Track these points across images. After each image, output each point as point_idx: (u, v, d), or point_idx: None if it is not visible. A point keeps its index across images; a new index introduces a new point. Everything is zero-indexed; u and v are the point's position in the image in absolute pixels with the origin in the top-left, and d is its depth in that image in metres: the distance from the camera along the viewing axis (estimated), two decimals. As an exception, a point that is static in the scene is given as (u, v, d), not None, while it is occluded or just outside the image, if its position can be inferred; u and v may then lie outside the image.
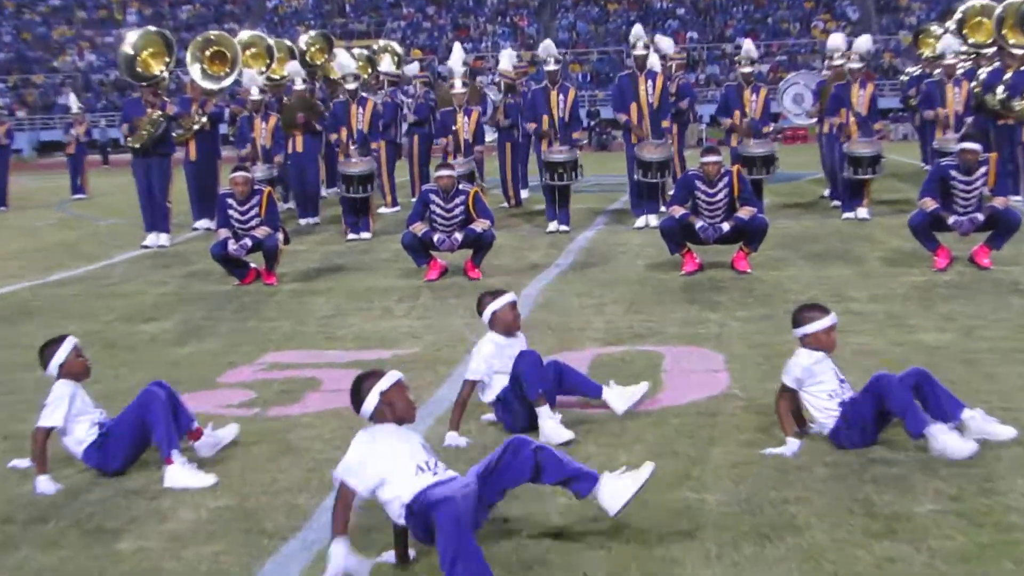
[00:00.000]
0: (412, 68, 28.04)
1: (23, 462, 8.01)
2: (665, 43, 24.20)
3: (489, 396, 8.68)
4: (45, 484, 7.57)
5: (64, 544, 6.60)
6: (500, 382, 8.58)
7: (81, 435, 7.94)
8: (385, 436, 6.12)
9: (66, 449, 8.00)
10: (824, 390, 7.86)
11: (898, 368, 9.19)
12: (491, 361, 8.59)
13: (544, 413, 8.25)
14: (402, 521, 5.97)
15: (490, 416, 8.80)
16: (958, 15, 25.50)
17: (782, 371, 7.94)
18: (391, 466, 5.98)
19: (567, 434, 8.12)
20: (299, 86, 23.69)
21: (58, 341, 8.11)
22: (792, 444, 7.62)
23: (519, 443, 6.15)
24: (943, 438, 7.33)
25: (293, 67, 24.50)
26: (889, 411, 7.58)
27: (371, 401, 6.19)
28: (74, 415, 7.90)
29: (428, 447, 6.27)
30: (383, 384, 6.21)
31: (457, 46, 25.64)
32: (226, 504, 7.17)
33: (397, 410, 6.21)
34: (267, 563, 6.21)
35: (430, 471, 6.04)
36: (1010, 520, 6.36)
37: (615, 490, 6.21)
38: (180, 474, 7.58)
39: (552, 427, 8.18)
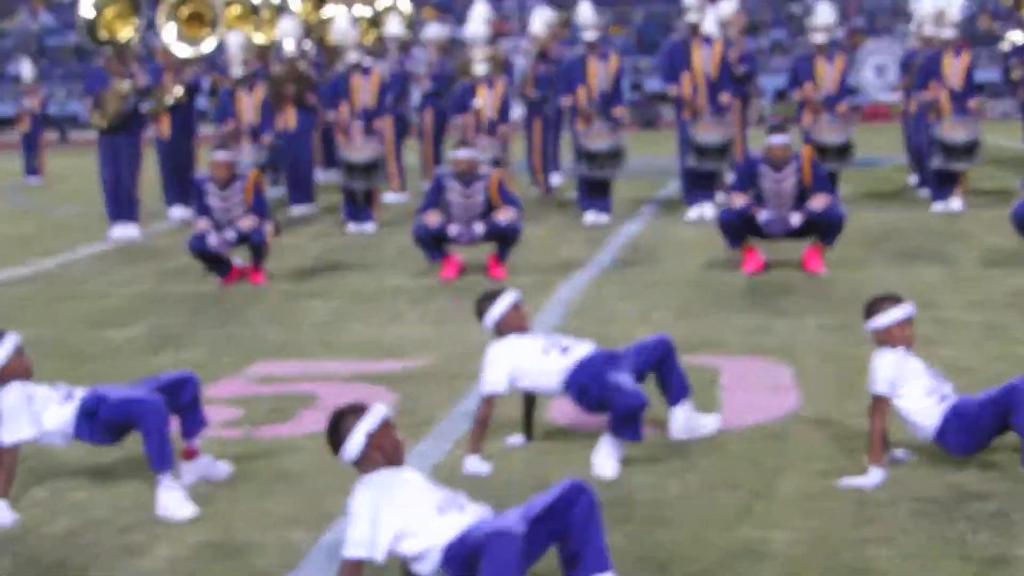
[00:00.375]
0: (432, 31, 27.85)
1: None
2: (726, 6, 24.10)
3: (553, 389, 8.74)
4: (1, 512, 7.64)
5: (22, 584, 6.65)
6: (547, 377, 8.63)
7: (56, 422, 7.98)
8: (388, 485, 6.00)
9: (50, 444, 8.11)
10: (920, 387, 7.93)
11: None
12: (511, 364, 8.60)
13: (608, 442, 8.26)
14: (429, 570, 5.97)
15: (516, 439, 8.84)
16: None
17: (868, 381, 7.95)
18: (406, 516, 5.89)
19: (613, 472, 8.12)
20: (290, 49, 23.60)
21: None
22: (875, 474, 7.63)
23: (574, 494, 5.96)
24: None
25: (288, 27, 24.24)
26: (1012, 426, 7.62)
27: (356, 443, 6.09)
28: (38, 411, 7.96)
29: (434, 481, 6.24)
30: (370, 423, 6.11)
31: (480, 5, 25.67)
32: (209, 539, 7.19)
33: (387, 453, 6.11)
34: (257, 609, 6.26)
35: (456, 507, 5.99)
36: None
37: None
38: (170, 500, 7.65)
39: (603, 460, 8.17)
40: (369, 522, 5.81)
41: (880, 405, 7.86)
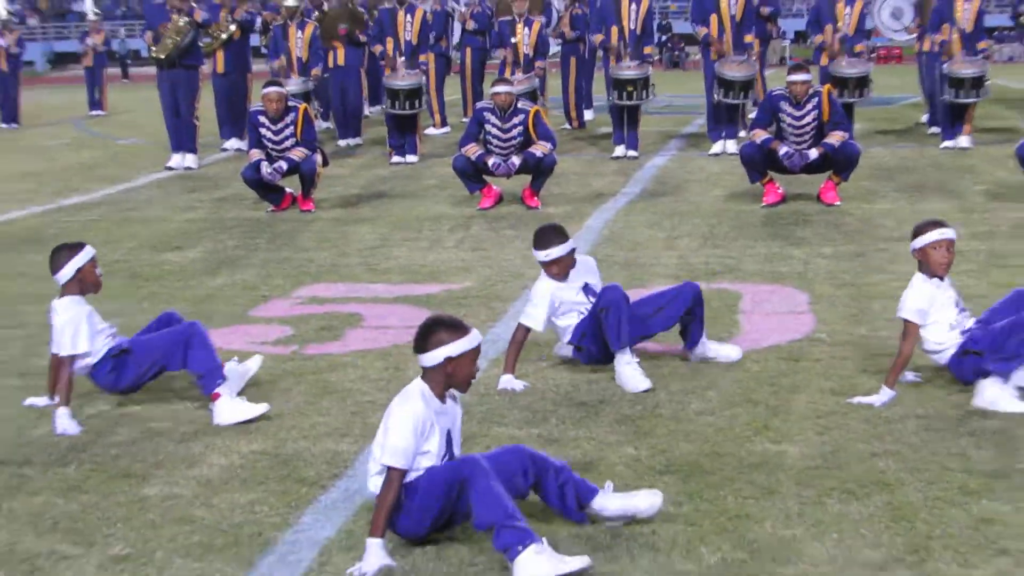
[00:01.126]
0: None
1: (40, 400, 8.13)
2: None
3: (561, 346, 8.87)
4: (66, 421, 7.67)
5: (87, 489, 6.69)
6: (567, 322, 8.70)
7: (93, 352, 8.03)
8: (422, 412, 5.88)
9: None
10: (945, 322, 7.93)
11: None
12: (551, 307, 8.67)
13: (623, 359, 8.31)
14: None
15: (566, 351, 8.86)
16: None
17: (899, 306, 7.95)
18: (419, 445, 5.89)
19: (645, 383, 8.17)
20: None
21: (77, 247, 8.11)
22: (884, 393, 7.64)
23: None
24: (991, 393, 7.49)
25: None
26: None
27: (435, 358, 5.86)
28: (93, 332, 7.98)
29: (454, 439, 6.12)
30: (455, 348, 5.85)
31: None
32: (261, 449, 7.25)
33: (457, 379, 5.93)
34: (305, 513, 6.30)
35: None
36: (1118, 477, 6.42)
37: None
38: (231, 408, 7.73)
39: (630, 374, 8.22)
40: (414, 434, 5.77)
41: (910, 331, 7.84)
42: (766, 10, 22.29)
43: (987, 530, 5.85)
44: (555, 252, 8.64)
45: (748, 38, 20.13)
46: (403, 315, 10.34)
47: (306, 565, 5.73)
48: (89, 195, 18.02)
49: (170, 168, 20.38)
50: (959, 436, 7.05)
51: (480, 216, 15.02)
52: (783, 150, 14.67)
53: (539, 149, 15.32)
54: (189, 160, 20.56)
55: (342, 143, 22.73)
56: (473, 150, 15.37)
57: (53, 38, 72.92)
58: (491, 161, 15.33)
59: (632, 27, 20.09)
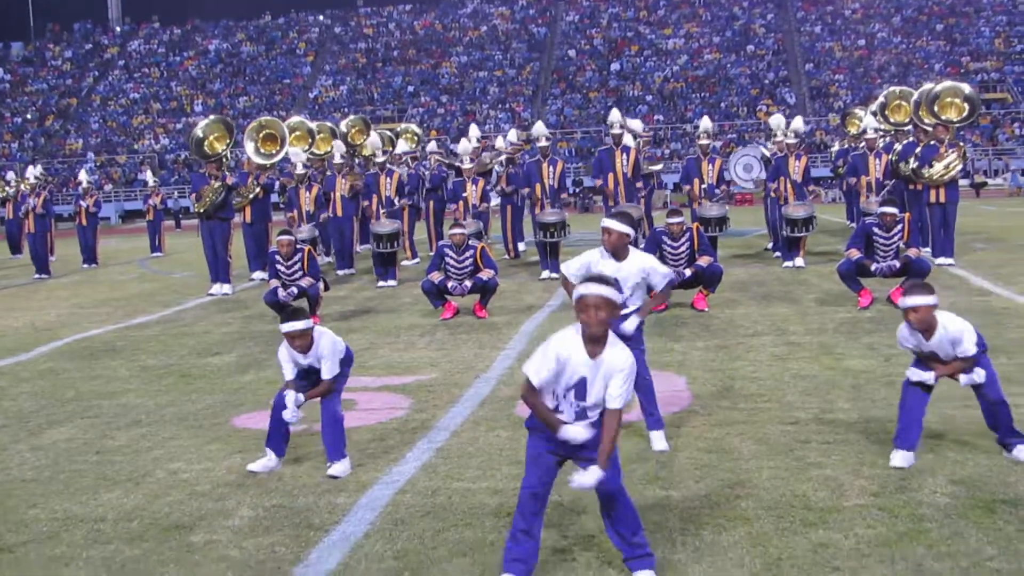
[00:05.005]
0: (430, 147, 28.21)
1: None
2: (635, 124, 24.35)
3: None
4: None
5: (147, 538, 6.60)
6: None
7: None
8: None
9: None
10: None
11: (829, 388, 9.24)
12: (585, 268, 8.39)
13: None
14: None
15: None
16: (881, 99, 25.72)
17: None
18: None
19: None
20: (337, 160, 23.73)
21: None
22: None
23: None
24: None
25: (338, 145, 24.63)
26: None
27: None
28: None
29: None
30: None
31: (472, 127, 25.93)
32: (279, 503, 7.17)
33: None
34: (312, 552, 6.23)
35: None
36: (921, 512, 6.40)
37: None
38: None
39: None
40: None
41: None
42: (647, 164, 22.21)
43: (823, 552, 5.84)
44: (611, 224, 8.33)
45: (638, 185, 20.34)
46: (386, 400, 10.27)
47: (313, 591, 5.68)
48: (150, 316, 17.87)
49: (211, 294, 20.27)
50: (801, 482, 7.03)
51: (442, 325, 14.97)
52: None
53: (485, 274, 15.38)
54: (225, 288, 20.44)
55: (340, 273, 22.67)
56: (436, 276, 15.39)
57: (124, 199, 72.78)
58: (450, 284, 15.36)
59: (551, 183, 20.29)
